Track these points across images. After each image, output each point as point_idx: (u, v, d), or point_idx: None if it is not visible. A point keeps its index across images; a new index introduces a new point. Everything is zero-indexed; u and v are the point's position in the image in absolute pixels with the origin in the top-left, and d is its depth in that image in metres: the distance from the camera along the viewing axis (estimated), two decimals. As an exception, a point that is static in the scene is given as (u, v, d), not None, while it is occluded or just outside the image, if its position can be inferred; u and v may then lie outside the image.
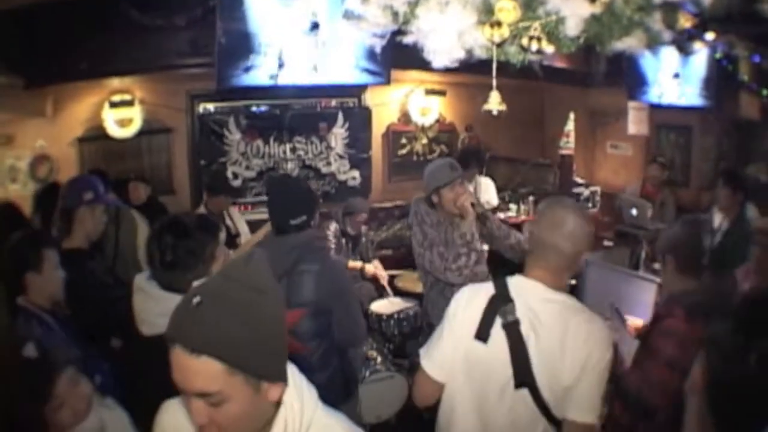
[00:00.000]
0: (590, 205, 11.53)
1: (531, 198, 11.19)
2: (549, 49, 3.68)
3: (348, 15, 4.24)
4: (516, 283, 3.27)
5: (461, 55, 3.76)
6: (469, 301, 3.33)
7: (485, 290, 3.30)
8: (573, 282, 8.40)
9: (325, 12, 8.44)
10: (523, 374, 3.11)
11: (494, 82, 3.79)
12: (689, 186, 11.42)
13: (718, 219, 7.53)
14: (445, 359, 3.34)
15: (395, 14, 3.81)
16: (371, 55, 8.93)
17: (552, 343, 3.10)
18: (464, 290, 3.46)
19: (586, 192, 11.62)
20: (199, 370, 1.94)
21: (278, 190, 4.92)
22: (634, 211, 9.47)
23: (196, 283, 2.22)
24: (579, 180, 11.84)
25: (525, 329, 3.13)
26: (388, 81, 9.50)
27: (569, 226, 3.18)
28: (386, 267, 8.64)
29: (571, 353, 3.07)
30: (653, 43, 3.87)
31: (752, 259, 6.00)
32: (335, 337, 4.65)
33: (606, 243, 9.93)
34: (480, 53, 3.76)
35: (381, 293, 8.37)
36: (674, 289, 4.29)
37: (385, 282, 8.39)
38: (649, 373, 3.96)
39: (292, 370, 2.27)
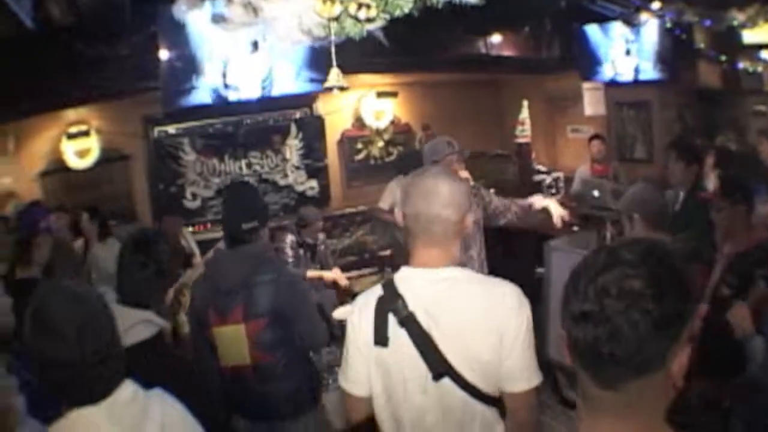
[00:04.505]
0: (554, 191, 11.41)
1: (492, 190, 11.05)
2: (376, 14, 3.67)
3: (215, 18, 4.27)
4: (402, 277, 3.12)
5: (301, 38, 3.79)
6: (361, 310, 3.16)
7: (375, 294, 3.15)
8: (540, 270, 8.30)
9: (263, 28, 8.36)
10: (437, 365, 2.96)
11: (334, 60, 3.78)
12: (653, 162, 11.24)
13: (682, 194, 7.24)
14: (359, 373, 3.18)
15: (255, 10, 3.79)
16: (313, 63, 8.83)
17: (457, 323, 2.94)
18: (357, 299, 3.31)
19: (548, 179, 11.51)
20: None
21: (232, 194, 5.02)
22: (596, 193, 9.34)
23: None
24: (540, 167, 11.70)
25: (423, 319, 2.97)
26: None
27: (444, 191, 3.01)
28: (350, 273, 8.54)
29: (482, 326, 2.93)
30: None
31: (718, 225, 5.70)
32: (298, 344, 4.63)
33: (575, 228, 9.81)
34: (318, 32, 3.79)
35: (343, 300, 8.19)
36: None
37: (345, 283, 8.28)
38: None
39: None
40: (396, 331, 3.00)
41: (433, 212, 2.99)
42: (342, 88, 4.41)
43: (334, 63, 4.09)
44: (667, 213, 4.46)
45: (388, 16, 3.84)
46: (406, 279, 3.09)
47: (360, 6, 3.60)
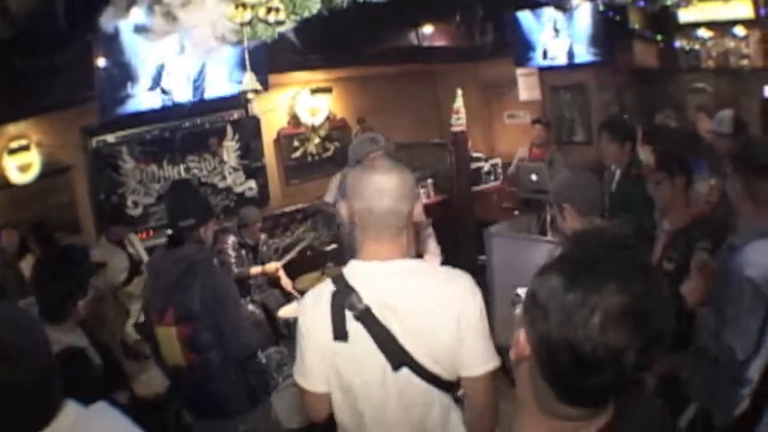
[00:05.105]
0: (492, 177, 11.46)
1: (430, 180, 11.14)
2: (285, 16, 3.75)
3: (138, 29, 4.31)
4: (353, 272, 3.09)
5: (215, 44, 3.88)
6: (313, 306, 3.11)
7: (326, 289, 3.10)
8: (482, 257, 8.31)
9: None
10: (397, 356, 2.95)
11: (248, 65, 3.85)
12: (592, 144, 11.18)
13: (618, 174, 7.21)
14: (316, 370, 3.13)
15: (175, 19, 3.82)
16: (243, 65, 8.81)
17: (415, 313, 2.93)
18: (306, 296, 3.26)
19: (486, 166, 11.56)
20: None
21: (170, 193, 5.20)
22: (533, 177, 9.41)
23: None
24: (477, 155, 11.79)
25: (380, 312, 2.95)
26: (266, 87, 9.36)
27: (395, 185, 2.97)
28: (293, 270, 8.50)
29: (439, 314, 2.92)
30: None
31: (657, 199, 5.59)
32: (226, 346, 4.67)
33: (516, 213, 9.83)
34: (232, 38, 3.86)
35: (289, 299, 8.18)
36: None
37: (288, 285, 8.33)
38: None
39: None
40: (352, 326, 2.98)
41: (385, 206, 2.96)
42: (257, 91, 4.47)
43: (248, 68, 4.16)
44: (600, 197, 4.43)
45: (298, 18, 3.90)
46: (358, 273, 3.07)
47: (269, 10, 3.66)
